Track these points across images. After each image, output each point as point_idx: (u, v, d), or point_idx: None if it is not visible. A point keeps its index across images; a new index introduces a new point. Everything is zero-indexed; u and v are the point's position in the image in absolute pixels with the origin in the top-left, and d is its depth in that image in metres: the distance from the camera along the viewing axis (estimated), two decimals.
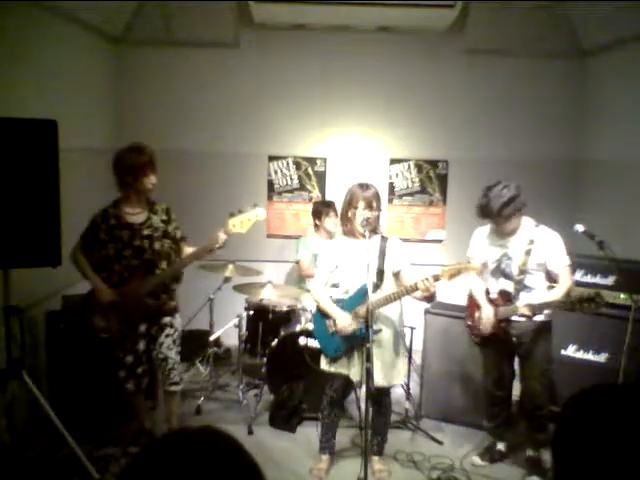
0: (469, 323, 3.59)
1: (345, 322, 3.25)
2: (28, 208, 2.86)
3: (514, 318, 3.30)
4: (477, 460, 3.65)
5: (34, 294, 3.77)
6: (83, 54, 4.68)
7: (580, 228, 3.32)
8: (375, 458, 3.56)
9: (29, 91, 3.77)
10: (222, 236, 3.19)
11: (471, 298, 3.57)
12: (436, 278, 3.04)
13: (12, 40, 3.60)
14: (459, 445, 3.88)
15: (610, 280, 3.87)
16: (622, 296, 3.70)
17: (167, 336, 3.41)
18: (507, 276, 3.38)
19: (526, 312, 3.19)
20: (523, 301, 3.27)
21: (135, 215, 3.32)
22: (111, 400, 3.81)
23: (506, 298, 3.36)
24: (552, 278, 3.36)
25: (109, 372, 3.72)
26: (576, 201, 5.42)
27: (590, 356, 3.88)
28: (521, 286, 3.32)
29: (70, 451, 3.09)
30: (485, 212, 3.26)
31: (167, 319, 3.41)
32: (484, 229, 3.52)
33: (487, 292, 3.46)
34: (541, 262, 3.28)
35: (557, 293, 3.25)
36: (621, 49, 4.73)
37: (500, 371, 3.53)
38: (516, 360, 3.54)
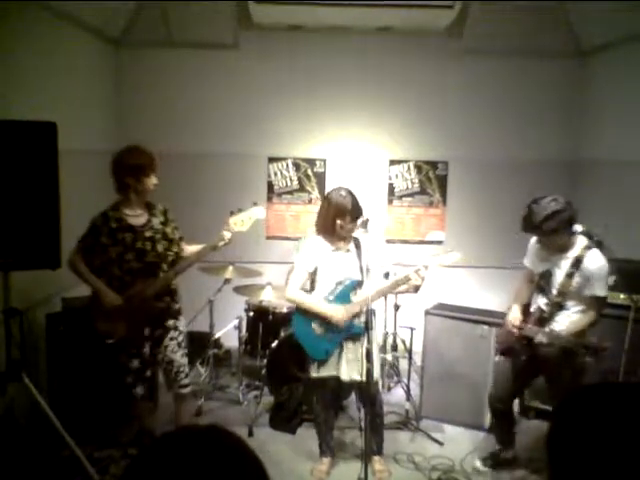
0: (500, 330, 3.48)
1: (340, 313, 3.26)
2: (28, 210, 2.85)
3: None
4: (479, 465, 3.59)
5: (34, 296, 3.77)
6: (82, 56, 4.69)
7: (579, 228, 3.29)
8: (375, 458, 3.56)
9: (28, 93, 3.77)
10: (227, 234, 3.23)
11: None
12: (427, 267, 3.15)
13: (11, 42, 3.60)
14: (459, 446, 3.88)
15: (609, 280, 3.86)
16: (621, 296, 3.70)
17: (171, 339, 3.39)
18: (545, 294, 3.25)
19: (543, 339, 3.10)
20: (558, 322, 3.17)
21: (136, 217, 3.29)
22: (111, 401, 3.81)
23: (540, 317, 3.23)
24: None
25: (110, 374, 3.72)
26: (575, 200, 5.36)
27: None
28: (557, 308, 3.19)
29: (70, 452, 3.09)
30: (526, 224, 3.09)
31: (171, 322, 3.39)
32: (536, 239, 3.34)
33: (529, 304, 3.37)
34: (579, 286, 3.11)
35: (579, 323, 3.12)
36: (621, 49, 4.73)
37: (510, 386, 3.43)
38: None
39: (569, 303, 3.19)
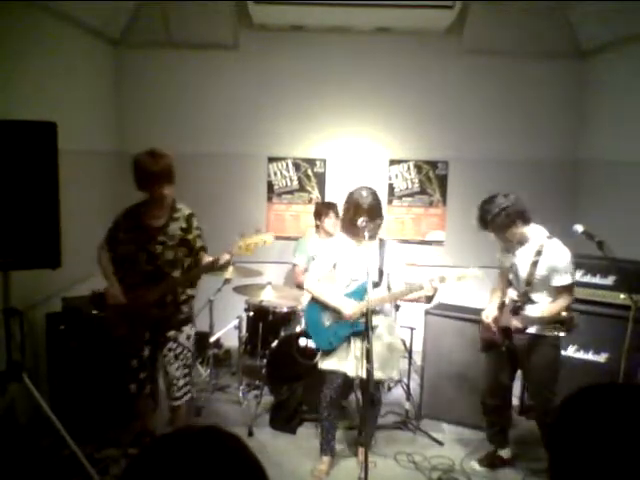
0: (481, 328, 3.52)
1: (352, 307, 3.30)
2: (28, 210, 2.85)
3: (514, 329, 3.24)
4: (475, 465, 3.60)
5: (34, 296, 3.77)
6: (82, 56, 4.69)
7: (579, 228, 3.28)
8: (360, 450, 3.56)
9: (29, 93, 3.77)
10: (225, 257, 3.20)
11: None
12: (442, 279, 3.18)
13: (11, 42, 3.60)
14: (459, 446, 3.88)
15: (610, 280, 3.87)
16: (621, 296, 3.69)
17: (169, 350, 3.31)
18: (514, 286, 3.34)
19: (518, 325, 3.18)
20: (532, 312, 3.22)
21: (155, 219, 3.25)
22: (112, 401, 3.81)
23: (514, 307, 3.29)
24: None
25: (111, 374, 3.72)
26: (575, 201, 5.43)
27: (590, 356, 3.88)
28: (526, 298, 3.25)
29: (70, 452, 3.09)
30: (481, 223, 3.23)
31: (172, 333, 3.31)
32: None
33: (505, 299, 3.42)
34: (545, 275, 3.18)
35: (549, 311, 3.17)
36: (621, 49, 4.73)
37: (494, 380, 3.47)
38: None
39: (539, 296, 3.24)
